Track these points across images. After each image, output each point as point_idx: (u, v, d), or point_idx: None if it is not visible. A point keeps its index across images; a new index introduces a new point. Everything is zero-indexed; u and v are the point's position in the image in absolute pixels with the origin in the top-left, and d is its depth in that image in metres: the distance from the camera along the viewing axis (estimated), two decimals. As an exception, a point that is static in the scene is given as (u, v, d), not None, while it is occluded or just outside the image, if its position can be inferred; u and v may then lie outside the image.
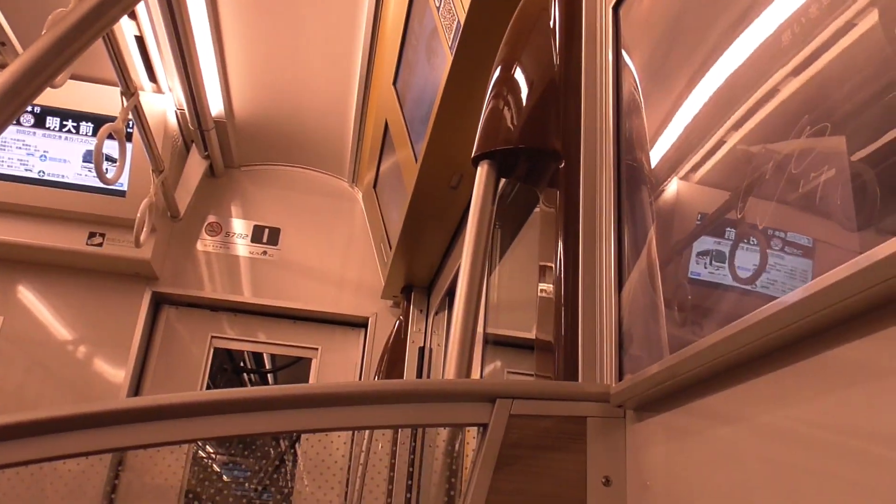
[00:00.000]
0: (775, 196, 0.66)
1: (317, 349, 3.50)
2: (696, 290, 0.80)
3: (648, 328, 0.90)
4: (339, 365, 3.55)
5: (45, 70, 1.18)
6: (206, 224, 3.53)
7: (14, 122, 2.92)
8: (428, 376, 3.16)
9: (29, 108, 3.02)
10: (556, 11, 1.34)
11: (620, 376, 0.94)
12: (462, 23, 1.86)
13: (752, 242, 0.70)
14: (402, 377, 3.24)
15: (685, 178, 0.86)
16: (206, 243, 3.48)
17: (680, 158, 0.88)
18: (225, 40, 2.87)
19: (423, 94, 2.44)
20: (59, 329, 3.27)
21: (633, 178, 1.03)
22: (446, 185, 2.59)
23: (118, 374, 3.19)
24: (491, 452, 0.87)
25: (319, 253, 3.58)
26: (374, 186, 3.35)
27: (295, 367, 4.09)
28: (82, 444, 0.81)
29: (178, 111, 3.17)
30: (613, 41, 1.17)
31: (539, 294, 1.22)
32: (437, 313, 3.16)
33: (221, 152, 3.45)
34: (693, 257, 0.81)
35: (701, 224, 0.82)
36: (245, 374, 4.29)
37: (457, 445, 2.19)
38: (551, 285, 1.14)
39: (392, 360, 3.26)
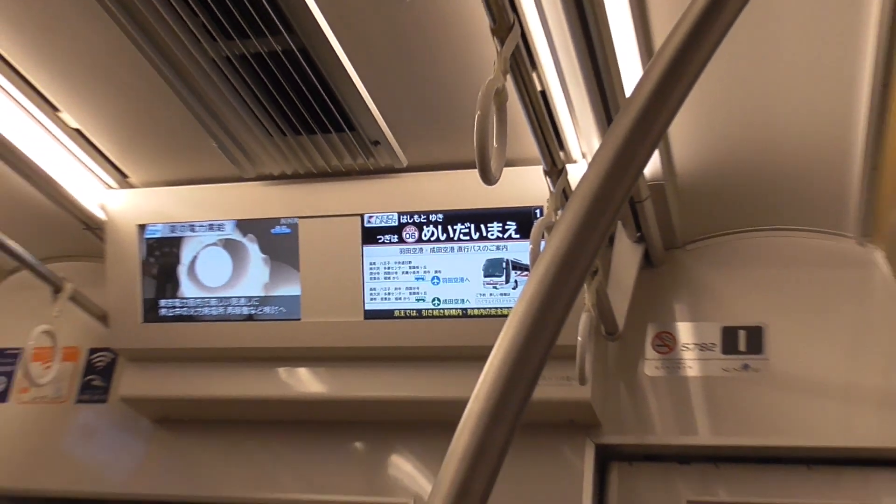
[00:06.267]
0: None
1: (857, 509, 2.77)
2: None
3: None
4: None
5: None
6: (651, 338, 3.21)
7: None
8: None
9: (410, 219, 3.06)
10: None
11: None
12: None
13: None
14: None
15: None
16: (655, 365, 3.15)
17: None
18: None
19: None
20: None
21: None
22: None
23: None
24: None
25: (830, 356, 3.02)
26: (915, 238, 2.86)
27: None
28: None
29: (597, 183, 2.97)
30: None
31: None
32: None
33: (659, 229, 3.13)
34: None
35: None
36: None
37: None
38: None
39: None
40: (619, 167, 0.85)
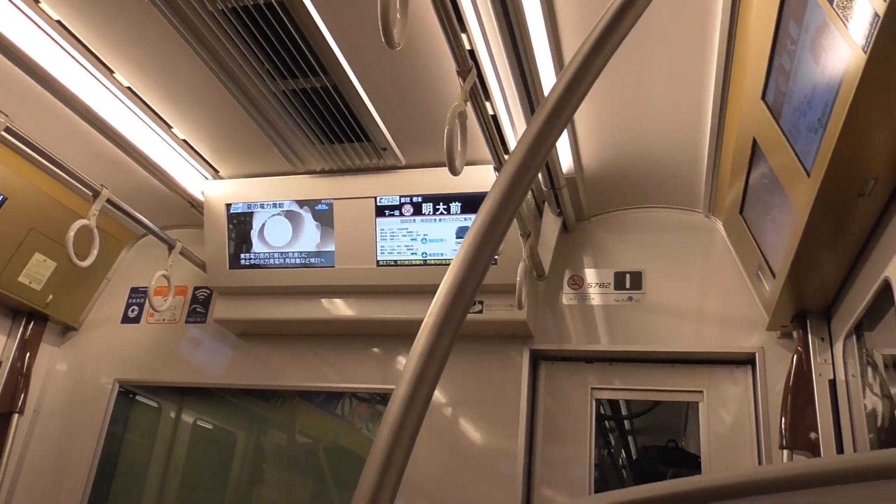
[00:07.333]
0: None
1: (701, 392, 2.98)
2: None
3: None
4: (729, 407, 3.05)
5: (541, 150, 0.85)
6: (567, 279, 3.26)
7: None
8: (849, 414, 2.59)
9: (408, 200, 3.22)
10: None
11: None
12: (881, 14, 1.49)
13: None
14: (814, 418, 2.71)
15: None
16: (570, 297, 3.22)
17: None
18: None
19: (810, 99, 2.04)
20: (443, 395, 3.21)
21: None
22: (854, 194, 2.10)
23: (510, 433, 3.03)
24: None
25: (685, 291, 3.10)
26: (741, 212, 2.92)
27: (652, 414, 3.71)
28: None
29: (530, 176, 3.05)
30: None
31: None
32: (847, 338, 2.60)
33: (572, 207, 3.20)
34: None
35: None
36: (604, 422, 3.96)
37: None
38: None
39: (798, 399, 2.74)
40: (529, 157, 0.80)
